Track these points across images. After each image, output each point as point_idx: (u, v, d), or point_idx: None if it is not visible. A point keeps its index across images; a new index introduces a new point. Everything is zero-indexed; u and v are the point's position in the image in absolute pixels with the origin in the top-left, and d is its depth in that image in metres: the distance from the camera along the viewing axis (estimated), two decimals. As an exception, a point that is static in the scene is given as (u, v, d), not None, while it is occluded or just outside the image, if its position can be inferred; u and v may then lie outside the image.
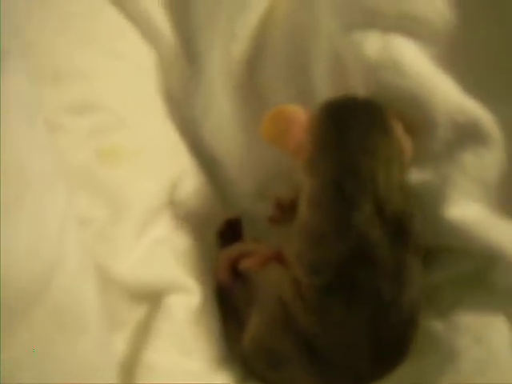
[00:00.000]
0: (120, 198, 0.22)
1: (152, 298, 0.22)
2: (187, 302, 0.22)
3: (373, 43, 0.22)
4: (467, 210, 0.21)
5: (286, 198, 0.25)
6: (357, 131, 0.20)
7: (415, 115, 0.22)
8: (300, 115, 0.21)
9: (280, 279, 0.22)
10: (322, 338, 0.20)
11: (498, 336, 0.20)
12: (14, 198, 0.16)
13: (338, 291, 0.19)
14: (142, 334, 0.21)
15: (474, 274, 0.21)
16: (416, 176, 0.22)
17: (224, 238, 0.26)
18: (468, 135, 0.21)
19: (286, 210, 0.24)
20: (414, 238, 0.20)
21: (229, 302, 0.24)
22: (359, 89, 0.23)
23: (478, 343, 0.20)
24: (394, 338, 0.20)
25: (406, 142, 0.21)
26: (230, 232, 0.26)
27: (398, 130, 0.21)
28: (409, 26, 0.22)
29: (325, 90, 0.24)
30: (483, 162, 0.21)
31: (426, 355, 0.21)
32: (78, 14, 0.25)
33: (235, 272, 0.24)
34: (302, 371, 0.21)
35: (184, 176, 0.25)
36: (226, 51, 0.25)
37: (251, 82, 0.26)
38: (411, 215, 0.20)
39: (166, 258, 0.23)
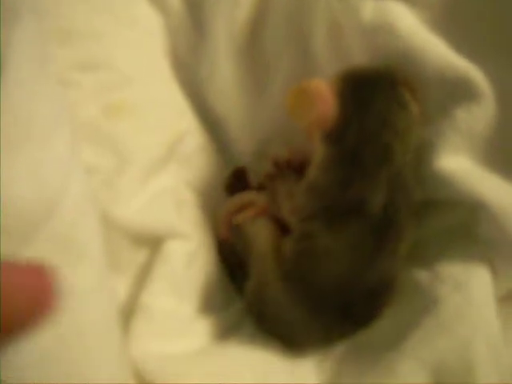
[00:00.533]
0: (124, 150, 0.23)
1: (152, 243, 0.23)
2: (184, 248, 0.23)
3: (368, 8, 0.23)
4: (456, 163, 0.22)
5: (283, 157, 0.25)
6: (377, 105, 0.21)
7: (409, 74, 0.22)
8: (322, 89, 0.21)
9: (269, 231, 0.23)
10: (301, 287, 0.21)
11: (479, 284, 0.21)
12: (22, 133, 0.16)
13: (324, 238, 0.20)
14: (142, 277, 0.22)
15: (459, 226, 0.22)
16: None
17: (231, 187, 0.27)
18: (459, 91, 0.22)
19: (281, 168, 0.25)
20: (410, 198, 0.21)
21: (233, 254, 0.25)
22: (355, 50, 0.24)
23: (458, 290, 0.20)
24: (367, 296, 0.20)
25: (415, 108, 0.22)
26: (237, 182, 0.27)
27: (410, 98, 0.21)
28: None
29: (323, 52, 0.25)
30: (474, 117, 0.22)
31: (408, 302, 0.21)
32: None
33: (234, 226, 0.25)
34: (294, 322, 0.22)
35: (188, 132, 0.26)
36: (229, 17, 0.26)
37: (254, 46, 0.27)
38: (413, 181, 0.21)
39: (167, 207, 0.23)
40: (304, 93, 0.21)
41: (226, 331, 0.23)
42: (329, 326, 0.21)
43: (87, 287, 0.17)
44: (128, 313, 0.21)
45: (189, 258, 0.23)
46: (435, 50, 0.23)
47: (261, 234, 0.23)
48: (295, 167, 0.25)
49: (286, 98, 0.22)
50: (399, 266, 0.21)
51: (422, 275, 0.22)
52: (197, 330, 0.22)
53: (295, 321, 0.22)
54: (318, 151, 0.21)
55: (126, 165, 0.23)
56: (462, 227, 0.22)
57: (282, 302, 0.22)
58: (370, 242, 0.20)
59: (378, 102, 0.21)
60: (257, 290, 0.23)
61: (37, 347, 0.14)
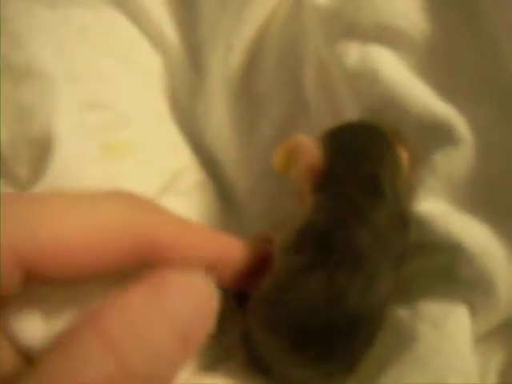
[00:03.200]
0: (121, 187, 0.24)
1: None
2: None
3: (352, 53, 0.24)
4: (433, 205, 0.22)
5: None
6: (362, 145, 0.22)
7: (390, 120, 0.23)
8: (306, 142, 0.22)
9: None
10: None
11: (456, 322, 0.21)
12: None
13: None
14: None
15: (440, 267, 0.22)
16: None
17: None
18: (439, 136, 0.22)
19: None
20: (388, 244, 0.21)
21: None
22: (342, 94, 0.25)
23: (434, 327, 0.21)
24: (344, 333, 0.20)
25: (404, 157, 0.22)
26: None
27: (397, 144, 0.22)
28: (386, 37, 0.24)
29: (313, 93, 0.27)
30: (452, 161, 0.22)
31: (389, 338, 0.22)
32: (95, 26, 0.28)
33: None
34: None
35: (186, 169, 0.28)
36: (224, 61, 0.28)
37: (247, 88, 0.28)
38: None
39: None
40: (289, 147, 0.22)
41: (215, 361, 0.23)
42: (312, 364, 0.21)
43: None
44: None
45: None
46: (416, 95, 0.23)
47: None
48: None
49: (274, 157, 0.23)
50: (379, 306, 0.21)
51: (403, 313, 0.22)
52: None
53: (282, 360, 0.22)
54: (308, 204, 0.22)
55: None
56: (443, 268, 0.22)
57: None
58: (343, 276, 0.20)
59: (363, 142, 0.22)
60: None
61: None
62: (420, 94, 0.23)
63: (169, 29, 0.29)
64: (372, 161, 0.21)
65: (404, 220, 0.21)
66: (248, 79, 0.28)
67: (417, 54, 0.24)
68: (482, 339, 0.22)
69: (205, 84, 0.29)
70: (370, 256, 0.20)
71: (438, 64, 0.24)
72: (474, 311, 0.22)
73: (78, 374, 0.14)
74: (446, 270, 0.22)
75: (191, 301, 0.16)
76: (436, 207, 0.22)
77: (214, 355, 0.23)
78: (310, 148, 0.22)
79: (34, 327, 0.18)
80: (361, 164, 0.21)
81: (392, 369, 0.21)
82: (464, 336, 0.21)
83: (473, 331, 0.22)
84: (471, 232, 0.21)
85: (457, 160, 0.22)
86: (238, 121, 0.28)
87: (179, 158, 0.28)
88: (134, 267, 0.19)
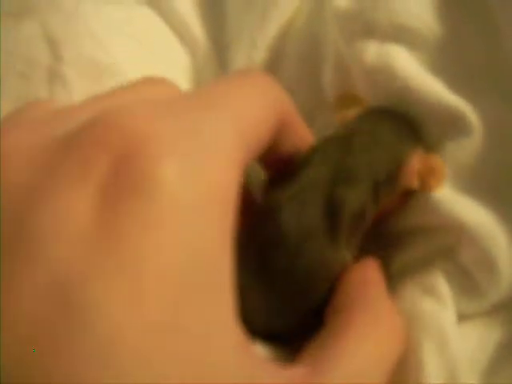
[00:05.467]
0: None
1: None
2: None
3: (370, 51, 0.26)
4: (443, 192, 0.23)
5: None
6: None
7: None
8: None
9: None
10: None
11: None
12: None
13: None
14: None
15: (444, 251, 0.24)
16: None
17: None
18: (450, 126, 0.24)
19: None
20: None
21: None
22: (360, 88, 0.27)
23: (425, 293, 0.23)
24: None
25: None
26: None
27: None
28: (402, 36, 0.26)
29: (332, 90, 0.28)
30: (463, 150, 0.24)
31: None
32: (128, 23, 0.30)
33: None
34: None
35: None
36: (248, 58, 0.30)
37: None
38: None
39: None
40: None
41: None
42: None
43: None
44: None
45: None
46: (430, 89, 0.25)
47: None
48: None
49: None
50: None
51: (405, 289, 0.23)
52: None
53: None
54: None
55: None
56: (445, 250, 0.24)
57: None
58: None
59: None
60: None
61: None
62: (433, 88, 0.25)
63: (196, 27, 0.31)
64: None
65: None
66: (270, 74, 0.30)
67: (429, 51, 0.26)
68: (486, 315, 0.24)
69: (229, 79, 0.31)
70: None
71: (448, 60, 0.26)
72: (476, 289, 0.23)
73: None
74: (447, 252, 0.24)
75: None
76: (445, 192, 0.24)
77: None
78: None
79: None
80: None
81: None
82: (441, 306, 0.23)
83: (479, 306, 0.23)
84: (475, 214, 0.23)
85: (468, 148, 0.24)
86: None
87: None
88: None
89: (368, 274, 0.22)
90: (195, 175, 0.15)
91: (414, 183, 0.23)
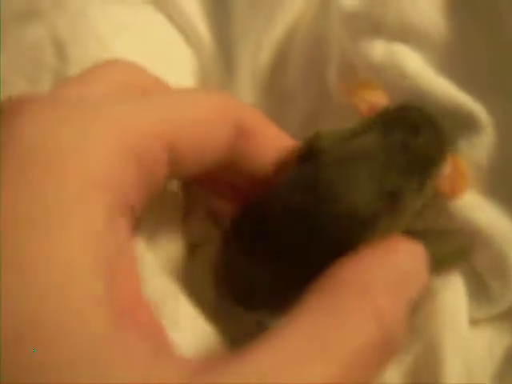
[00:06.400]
0: None
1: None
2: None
3: (378, 50, 0.26)
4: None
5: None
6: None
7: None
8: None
9: None
10: None
11: (451, 292, 0.22)
12: None
13: None
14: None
15: (456, 252, 0.23)
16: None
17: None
18: (460, 123, 0.24)
19: None
20: None
21: None
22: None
23: (431, 298, 0.22)
24: None
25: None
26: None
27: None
28: (409, 36, 0.26)
29: (336, 90, 0.28)
30: (473, 147, 0.24)
31: None
32: (134, 23, 0.30)
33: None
34: None
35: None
36: (253, 59, 0.30)
37: (275, 86, 0.30)
38: None
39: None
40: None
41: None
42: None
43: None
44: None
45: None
46: (438, 87, 0.25)
47: None
48: None
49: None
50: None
51: None
52: None
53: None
54: None
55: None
56: (459, 253, 0.23)
57: None
58: None
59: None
60: None
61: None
62: (442, 87, 0.25)
63: (202, 27, 0.31)
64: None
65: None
66: (275, 76, 0.30)
67: (437, 51, 0.26)
68: (495, 320, 0.23)
69: (234, 80, 0.31)
70: None
71: (456, 61, 0.25)
72: (488, 294, 0.23)
73: (342, 334, 0.14)
74: (461, 255, 0.23)
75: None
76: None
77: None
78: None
79: None
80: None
81: None
82: (460, 306, 0.22)
83: (489, 311, 0.23)
84: (490, 218, 0.23)
85: (478, 146, 0.24)
86: (266, 116, 0.30)
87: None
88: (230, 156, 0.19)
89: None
90: None
91: (446, 186, 0.22)
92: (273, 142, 0.20)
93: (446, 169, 0.21)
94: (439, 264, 0.22)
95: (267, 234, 0.19)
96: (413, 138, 0.20)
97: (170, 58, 0.31)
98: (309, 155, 0.19)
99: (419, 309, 0.22)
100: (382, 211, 0.18)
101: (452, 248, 0.23)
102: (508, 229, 0.22)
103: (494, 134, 0.24)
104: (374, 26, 0.26)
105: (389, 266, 0.16)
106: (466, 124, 0.24)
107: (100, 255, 0.14)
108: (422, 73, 0.25)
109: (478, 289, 0.23)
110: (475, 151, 0.24)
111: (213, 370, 0.13)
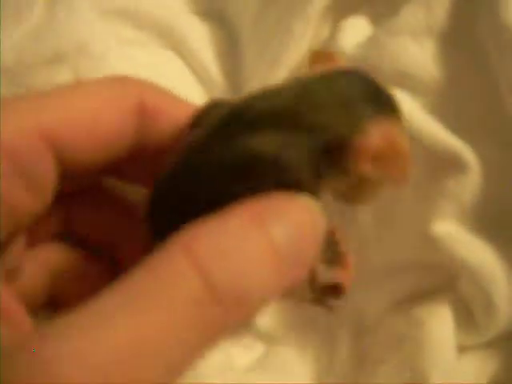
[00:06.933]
0: None
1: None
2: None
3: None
4: (443, 227, 0.25)
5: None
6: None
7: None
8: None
9: None
10: None
11: (439, 324, 0.24)
12: None
13: None
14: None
15: (444, 285, 0.25)
16: (402, 196, 0.26)
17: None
18: (449, 164, 0.26)
19: None
20: None
21: None
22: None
23: (418, 327, 0.24)
24: None
25: None
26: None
27: None
28: (404, 81, 0.28)
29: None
30: (461, 186, 0.25)
31: (380, 339, 0.25)
32: (151, 64, 0.32)
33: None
34: None
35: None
36: (265, 77, 0.32)
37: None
38: None
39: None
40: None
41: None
42: None
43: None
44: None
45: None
46: (430, 130, 0.27)
47: None
48: None
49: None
50: None
51: (396, 319, 0.25)
52: None
53: None
54: None
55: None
56: (448, 287, 0.25)
57: None
58: None
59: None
60: None
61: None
62: (433, 129, 0.27)
63: (214, 69, 0.34)
64: None
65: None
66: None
67: (430, 96, 0.28)
68: (483, 347, 0.25)
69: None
70: None
71: (447, 105, 0.28)
72: (474, 322, 0.24)
73: (166, 294, 0.13)
74: (446, 285, 0.25)
75: (293, 228, 0.15)
76: (446, 228, 0.25)
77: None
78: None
79: None
80: None
81: (381, 369, 0.24)
82: (447, 334, 0.24)
83: (476, 339, 0.25)
84: (475, 251, 0.24)
85: (466, 186, 0.26)
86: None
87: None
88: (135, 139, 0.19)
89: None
90: None
91: (365, 167, 0.16)
92: (180, 118, 0.20)
93: (370, 143, 0.16)
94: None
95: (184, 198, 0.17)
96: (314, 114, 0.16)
97: (183, 94, 0.33)
98: (199, 121, 0.18)
99: (407, 337, 0.24)
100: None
101: (438, 279, 0.25)
102: (492, 264, 0.24)
103: (481, 174, 0.26)
104: (372, 72, 0.28)
105: (223, 231, 0.15)
106: (454, 164, 0.26)
107: None
108: (415, 115, 0.27)
109: (466, 317, 0.25)
110: (462, 190, 0.26)
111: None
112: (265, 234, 0.15)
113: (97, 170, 0.20)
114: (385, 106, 0.18)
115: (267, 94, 0.18)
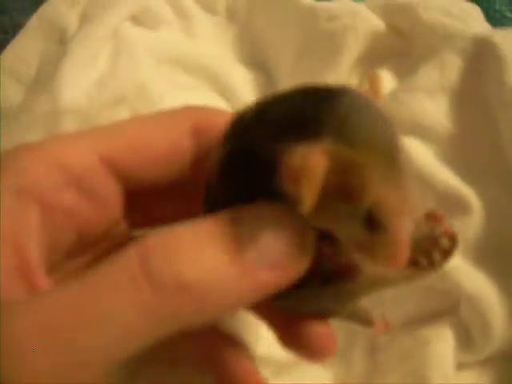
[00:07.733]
0: None
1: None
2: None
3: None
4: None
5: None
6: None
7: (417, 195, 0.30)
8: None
9: None
10: None
11: (442, 341, 0.28)
12: None
13: None
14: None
15: (447, 310, 0.29)
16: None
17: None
18: (455, 206, 0.30)
19: None
20: None
21: None
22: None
23: (426, 345, 0.28)
24: None
25: None
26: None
27: None
28: (418, 131, 0.32)
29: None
30: (465, 225, 0.29)
31: (391, 356, 0.29)
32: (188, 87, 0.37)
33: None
34: None
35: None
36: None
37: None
38: None
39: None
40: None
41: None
42: None
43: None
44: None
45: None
46: (440, 175, 0.31)
47: None
48: None
49: None
50: None
51: (406, 338, 0.29)
52: None
53: None
54: None
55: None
56: (449, 311, 0.29)
57: None
58: None
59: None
60: None
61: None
62: (442, 173, 0.31)
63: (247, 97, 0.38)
64: None
65: None
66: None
67: (442, 145, 0.32)
68: (479, 364, 0.29)
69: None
70: None
71: (457, 153, 0.32)
72: (472, 342, 0.29)
73: (113, 271, 0.15)
74: (449, 309, 0.29)
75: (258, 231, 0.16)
76: (452, 261, 0.29)
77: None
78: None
79: None
80: None
81: (390, 377, 0.28)
82: (448, 352, 0.28)
83: (473, 357, 0.29)
84: (475, 281, 0.29)
85: (470, 225, 0.30)
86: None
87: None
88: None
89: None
90: None
91: (291, 189, 0.15)
92: None
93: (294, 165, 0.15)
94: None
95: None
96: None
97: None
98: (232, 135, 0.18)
99: (414, 354, 0.28)
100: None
101: (440, 307, 0.29)
102: (489, 292, 0.28)
103: (483, 215, 0.30)
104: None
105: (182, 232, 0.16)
106: (459, 206, 0.30)
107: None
108: (426, 161, 0.32)
109: (466, 338, 0.29)
110: (466, 228, 0.30)
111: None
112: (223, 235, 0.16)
113: (164, 185, 0.20)
114: (314, 127, 0.16)
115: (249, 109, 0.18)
